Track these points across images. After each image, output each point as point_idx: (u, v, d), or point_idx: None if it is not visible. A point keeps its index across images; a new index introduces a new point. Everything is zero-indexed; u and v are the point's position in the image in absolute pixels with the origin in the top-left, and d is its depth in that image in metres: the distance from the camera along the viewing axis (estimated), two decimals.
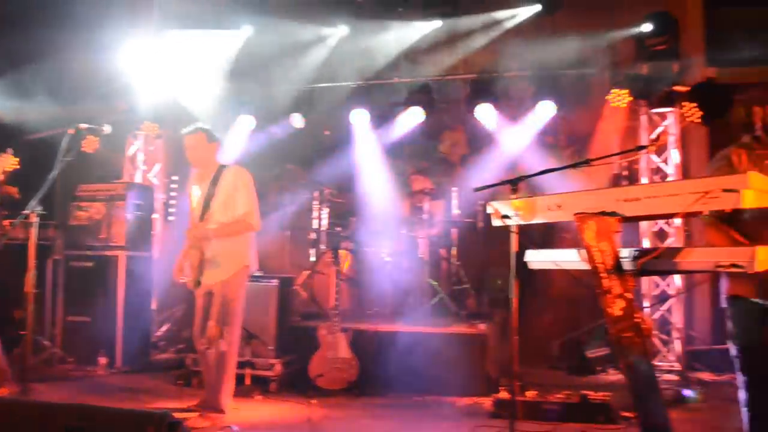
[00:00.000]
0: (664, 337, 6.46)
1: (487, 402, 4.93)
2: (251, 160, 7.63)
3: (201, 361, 4.49)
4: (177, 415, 2.88)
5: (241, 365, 5.24)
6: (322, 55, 7.35)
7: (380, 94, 7.83)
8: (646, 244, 6.20)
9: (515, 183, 2.81)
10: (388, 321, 5.93)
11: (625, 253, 2.54)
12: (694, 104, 5.62)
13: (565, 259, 2.75)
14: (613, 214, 2.43)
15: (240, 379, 5.19)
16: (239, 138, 7.65)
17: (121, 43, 6.66)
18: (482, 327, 5.45)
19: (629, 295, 2.52)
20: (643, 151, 2.83)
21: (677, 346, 6.26)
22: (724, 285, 3.08)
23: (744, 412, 3.02)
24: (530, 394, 4.75)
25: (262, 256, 4.83)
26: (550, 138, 7.77)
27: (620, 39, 6.59)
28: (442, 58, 7.43)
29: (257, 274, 5.93)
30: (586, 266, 2.56)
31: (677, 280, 6.30)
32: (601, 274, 2.50)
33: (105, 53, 6.61)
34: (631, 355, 2.59)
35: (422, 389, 5.27)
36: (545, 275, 6.34)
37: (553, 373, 6.29)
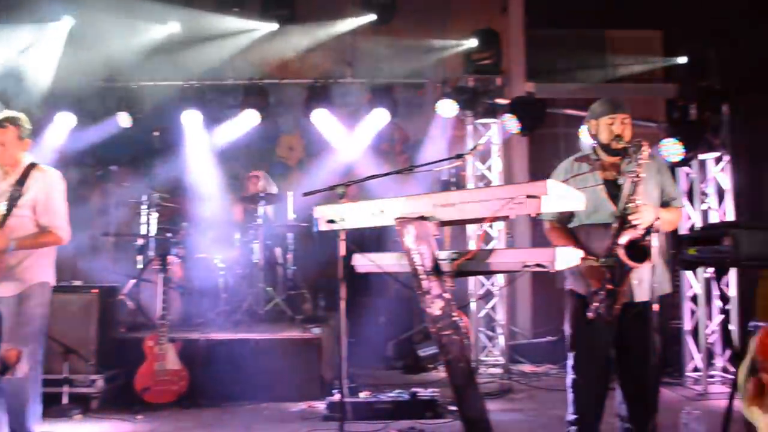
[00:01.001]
0: (490, 333, 6.90)
1: (321, 405, 4.97)
2: (71, 160, 7.12)
3: None
4: None
5: (57, 383, 4.85)
6: (150, 51, 7.01)
7: (214, 95, 7.63)
8: (473, 246, 6.60)
9: (341, 188, 2.87)
10: (220, 329, 5.78)
11: (443, 255, 2.67)
12: (513, 116, 6.06)
13: (388, 262, 2.85)
14: (430, 218, 2.56)
15: (56, 398, 4.80)
16: (57, 136, 7.09)
17: None
18: (317, 331, 5.49)
19: (447, 295, 2.65)
20: (460, 159, 2.99)
21: (501, 341, 6.70)
22: (566, 281, 3.44)
23: (569, 394, 3.33)
24: (363, 395, 4.87)
25: (81, 264, 4.49)
26: (386, 145, 8.02)
27: (450, 52, 6.96)
28: (279, 62, 7.40)
29: (76, 283, 5.53)
30: (407, 268, 2.67)
31: (501, 279, 6.76)
32: (421, 276, 2.61)
33: None
34: (450, 352, 2.74)
35: (257, 396, 5.21)
36: (380, 277, 6.53)
37: (388, 373, 6.49)
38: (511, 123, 6.07)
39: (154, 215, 6.72)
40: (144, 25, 6.98)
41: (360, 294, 6.77)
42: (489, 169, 6.85)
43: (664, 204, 3.30)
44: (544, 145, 7.80)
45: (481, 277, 6.66)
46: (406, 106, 7.75)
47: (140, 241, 6.75)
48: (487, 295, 6.80)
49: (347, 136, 7.50)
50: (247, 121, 7.31)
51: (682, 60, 6.46)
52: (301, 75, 7.47)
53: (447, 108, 6.47)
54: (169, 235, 6.33)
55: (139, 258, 6.71)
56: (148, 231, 6.72)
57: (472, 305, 6.65)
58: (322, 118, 7.25)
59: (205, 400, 5.14)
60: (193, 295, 6.44)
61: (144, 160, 7.60)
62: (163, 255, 5.69)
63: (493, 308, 6.80)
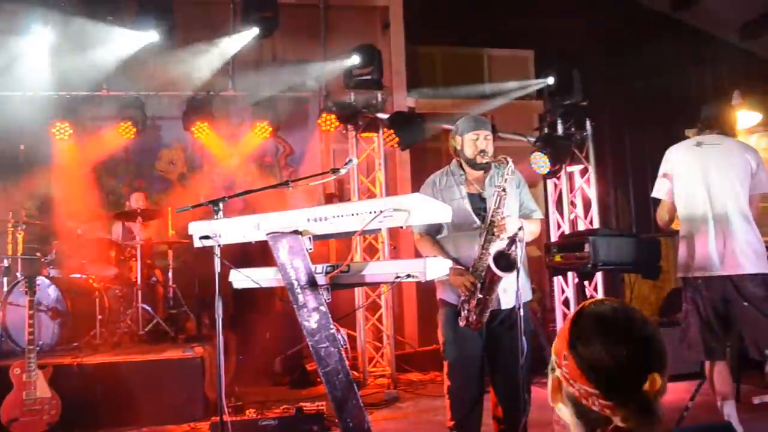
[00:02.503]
0: (377, 344, 7.01)
1: (204, 426, 4.87)
2: None
3: None
4: None
5: None
6: (16, 60, 6.61)
7: (87, 107, 7.30)
8: (358, 258, 6.70)
9: (217, 203, 2.86)
10: (97, 352, 5.52)
11: (318, 268, 2.73)
12: (392, 131, 6.23)
13: (266, 277, 2.87)
14: (304, 233, 2.61)
15: None
16: None
17: None
18: (200, 350, 5.37)
19: (324, 308, 2.71)
20: (336, 174, 3.07)
21: (388, 351, 6.82)
22: (437, 291, 3.53)
23: (446, 400, 3.47)
24: (249, 412, 4.81)
25: None
26: (270, 158, 8.00)
27: (332, 67, 7.06)
28: (157, 73, 7.20)
29: None
30: (283, 283, 2.70)
31: (384, 289, 6.88)
32: (296, 290, 2.66)
33: None
34: (328, 364, 2.79)
35: (137, 420, 5.01)
36: (265, 292, 6.49)
37: (276, 390, 6.42)
38: (391, 137, 6.24)
39: (21, 234, 6.33)
40: (9, 32, 6.57)
41: (246, 310, 6.69)
42: (373, 182, 6.99)
43: (524, 216, 3.50)
44: (426, 159, 8.06)
45: (367, 289, 6.77)
46: (289, 119, 7.77)
47: (4, 263, 6.32)
48: (374, 307, 6.91)
49: (230, 150, 7.40)
50: (122, 134, 7.04)
51: (551, 79, 6.88)
52: (181, 87, 7.31)
53: (329, 122, 6.55)
54: (38, 255, 5.98)
55: (4, 280, 6.29)
56: (14, 251, 6.31)
57: (359, 317, 6.73)
58: (203, 132, 7.12)
59: (80, 429, 4.89)
60: (66, 318, 6.11)
61: (9, 176, 7.13)
62: (31, 276, 5.36)
63: (380, 319, 6.92)
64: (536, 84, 7.13)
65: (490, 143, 3.48)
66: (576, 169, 6.99)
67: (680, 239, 3.84)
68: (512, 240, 3.13)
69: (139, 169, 7.80)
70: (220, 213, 2.89)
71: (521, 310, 3.12)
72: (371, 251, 7.01)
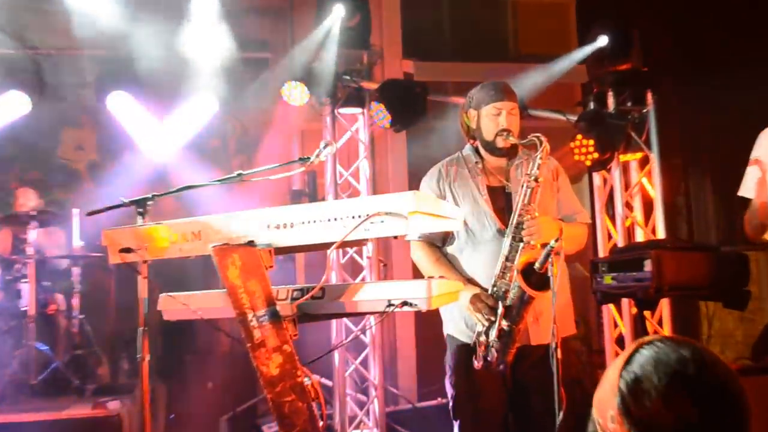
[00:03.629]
0: (362, 397, 6.99)
1: None
2: None
3: None
4: None
5: None
6: None
7: None
8: (336, 279, 6.68)
9: (142, 204, 2.85)
10: None
11: (282, 293, 2.73)
12: (382, 105, 6.23)
13: (209, 305, 2.86)
14: (262, 244, 2.59)
15: None
16: None
17: None
18: (115, 405, 5.37)
19: (288, 348, 2.70)
20: (306, 164, 3.05)
21: (376, 406, 6.80)
22: (444, 324, 3.54)
23: None
24: None
25: None
26: (216, 141, 7.99)
27: (301, 20, 7.04)
28: (59, 25, 7.16)
29: None
30: (232, 314, 2.69)
31: (372, 321, 6.88)
32: (251, 323, 2.65)
33: None
34: (294, 425, 2.78)
35: None
36: (208, 326, 6.47)
37: None
38: (381, 114, 6.24)
39: None
40: None
41: (181, 350, 6.67)
42: (355, 175, 6.99)
43: (564, 219, 3.51)
44: (429, 144, 8.05)
45: (347, 321, 6.76)
46: (243, 89, 7.74)
47: None
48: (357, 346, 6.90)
49: (159, 130, 7.38)
50: (11, 108, 7.00)
51: (602, 39, 6.86)
52: (93, 44, 7.26)
53: (296, 93, 6.54)
54: None
55: None
56: None
57: (337, 360, 6.73)
58: (122, 105, 7.09)
59: None
60: None
61: None
62: None
63: (364, 363, 6.90)
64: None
65: (516, 120, 3.50)
66: (633, 158, 7.02)
67: None
68: (549, 250, 3.05)
69: (33, 155, 7.77)
70: (147, 217, 2.88)
71: (557, 351, 3.11)
72: (354, 270, 6.98)
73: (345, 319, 6.57)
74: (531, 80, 6.84)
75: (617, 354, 6.53)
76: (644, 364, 1.34)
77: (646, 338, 1.40)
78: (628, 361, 1.36)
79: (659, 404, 1.28)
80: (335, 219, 2.52)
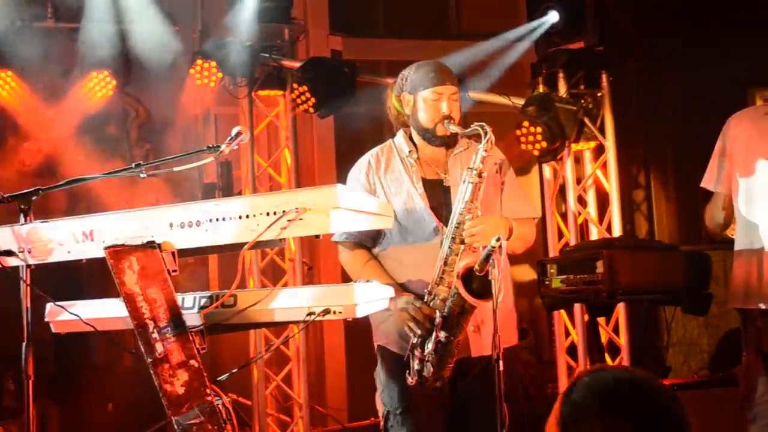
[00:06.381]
0: (285, 418, 6.99)
1: None
2: None
3: None
4: None
5: None
6: None
7: None
8: (253, 285, 6.66)
9: (26, 199, 2.81)
10: None
11: (188, 301, 2.72)
12: (305, 87, 6.23)
13: (104, 314, 2.83)
14: (164, 245, 2.58)
15: None
16: None
17: None
18: None
19: (196, 363, 2.69)
20: (217, 153, 3.04)
21: (301, 428, 6.80)
22: (374, 334, 3.56)
23: None
24: None
25: None
26: (115, 128, 7.88)
27: None
28: None
29: None
30: (131, 325, 2.67)
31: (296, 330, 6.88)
32: (152, 335, 2.63)
33: None
34: None
35: None
36: (105, 339, 6.40)
37: None
38: (304, 97, 6.23)
39: None
40: None
41: (75, 367, 6.59)
42: (276, 166, 6.97)
43: (510, 216, 3.52)
44: (361, 131, 8.06)
45: (267, 331, 6.74)
46: (146, 67, 7.64)
47: None
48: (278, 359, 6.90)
49: (49, 114, 7.26)
50: None
51: (553, 14, 6.90)
52: None
53: (207, 73, 6.51)
54: None
55: None
56: None
57: (256, 375, 6.71)
58: (5, 85, 6.97)
59: None
60: None
61: None
62: None
63: (286, 379, 6.90)
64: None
65: (457, 106, 3.52)
66: (587, 148, 7.10)
67: (737, 252, 3.95)
68: (489, 251, 3.01)
69: None
70: (31, 214, 2.84)
71: (500, 363, 3.10)
72: (275, 274, 6.98)
73: (265, 329, 6.55)
74: (474, 60, 6.89)
75: (569, 366, 6.67)
76: (583, 391, 1.44)
77: (591, 367, 1.54)
78: (569, 391, 1.45)
79: (597, 426, 1.38)
80: (248, 216, 2.52)
